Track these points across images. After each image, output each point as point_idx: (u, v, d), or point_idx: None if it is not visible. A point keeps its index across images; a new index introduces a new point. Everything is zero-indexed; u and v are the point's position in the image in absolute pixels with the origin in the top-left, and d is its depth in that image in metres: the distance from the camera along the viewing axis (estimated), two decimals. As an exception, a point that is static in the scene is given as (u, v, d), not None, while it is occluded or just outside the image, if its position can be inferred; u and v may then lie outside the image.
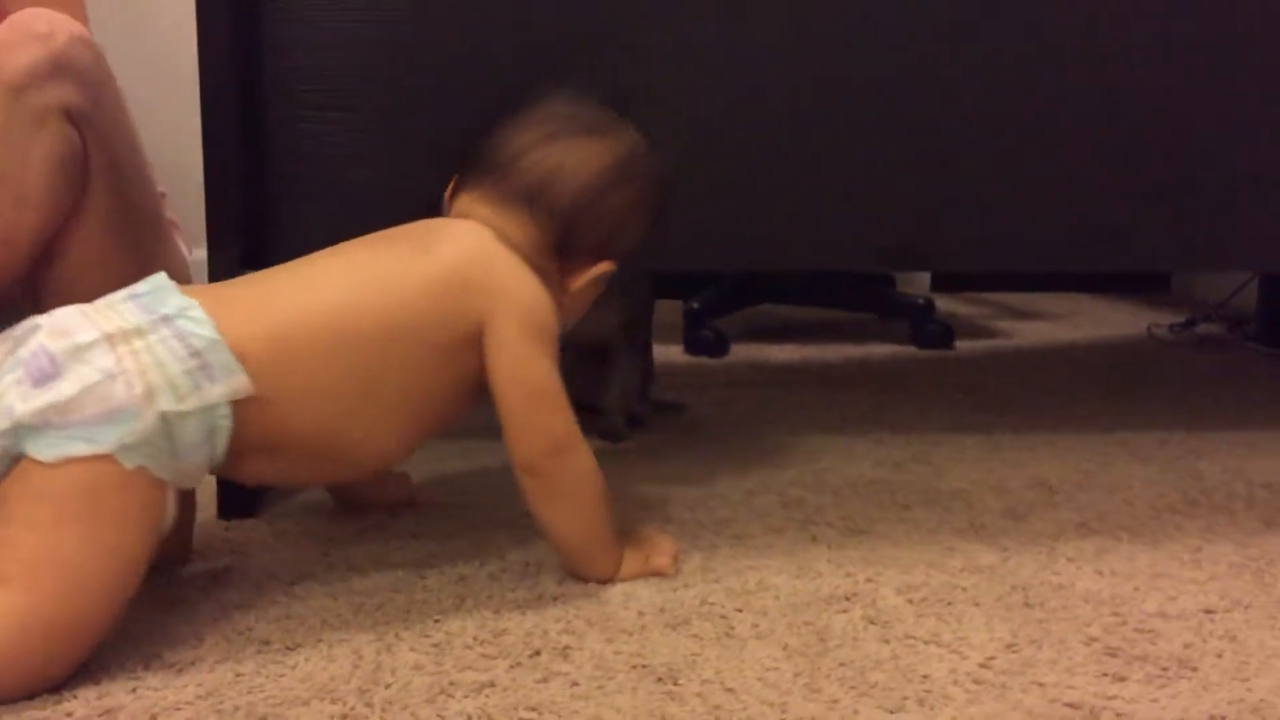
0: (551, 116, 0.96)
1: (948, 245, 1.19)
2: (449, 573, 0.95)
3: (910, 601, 0.90)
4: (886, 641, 0.83)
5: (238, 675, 0.77)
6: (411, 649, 0.81)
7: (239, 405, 0.81)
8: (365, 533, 1.05)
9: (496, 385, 0.90)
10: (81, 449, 0.74)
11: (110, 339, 0.77)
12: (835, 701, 0.74)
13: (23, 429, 0.73)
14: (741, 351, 2.00)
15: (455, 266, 0.91)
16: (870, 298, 2.30)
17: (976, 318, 2.45)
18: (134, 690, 0.75)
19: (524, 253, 0.94)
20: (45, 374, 0.75)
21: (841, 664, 0.79)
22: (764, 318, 2.34)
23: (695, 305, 2.01)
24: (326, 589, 0.91)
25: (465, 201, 0.96)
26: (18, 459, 0.74)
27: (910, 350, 2.04)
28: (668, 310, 2.13)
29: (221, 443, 0.81)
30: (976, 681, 0.77)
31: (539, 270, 0.94)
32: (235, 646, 0.81)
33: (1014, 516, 1.11)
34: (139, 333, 0.78)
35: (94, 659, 0.78)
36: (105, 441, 0.74)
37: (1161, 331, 2.23)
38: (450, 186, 0.99)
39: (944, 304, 2.50)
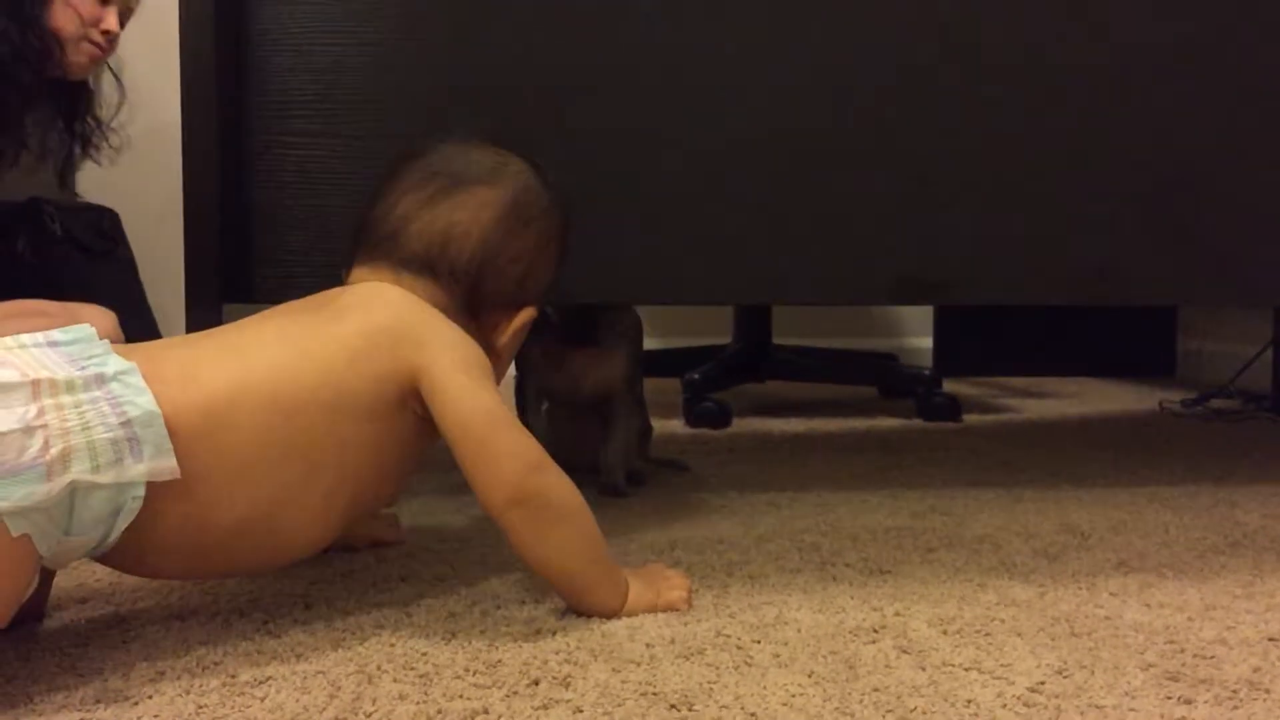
0: (430, 175, 0.91)
1: (965, 278, 1.14)
2: (438, 610, 0.87)
3: (945, 633, 0.82)
4: (923, 669, 0.75)
5: (200, 707, 0.68)
6: (395, 680, 0.72)
7: (155, 487, 0.71)
8: (350, 576, 0.97)
9: (449, 425, 0.83)
10: None
11: (36, 387, 0.68)
12: (871, 725, 0.66)
13: None
14: (744, 425, 1.93)
15: (376, 325, 0.85)
16: (873, 371, 2.24)
17: (982, 397, 2.39)
18: (82, 721, 0.66)
19: None
20: None
21: (875, 689, 0.71)
22: (764, 394, 2.29)
23: (695, 376, 1.95)
24: (303, 626, 0.83)
25: (363, 275, 0.91)
26: None
27: (917, 423, 1.98)
28: (665, 389, 2.08)
29: (121, 525, 0.71)
30: (1027, 705, 0.69)
31: None
32: (199, 679, 0.73)
33: (1047, 557, 1.03)
34: (69, 388, 0.69)
35: (38, 689, 0.70)
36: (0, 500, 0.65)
37: (1174, 406, 2.17)
38: (345, 271, 0.93)
39: (948, 386, 2.44)
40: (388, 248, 0.89)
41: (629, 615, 0.85)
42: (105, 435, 0.69)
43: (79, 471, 0.67)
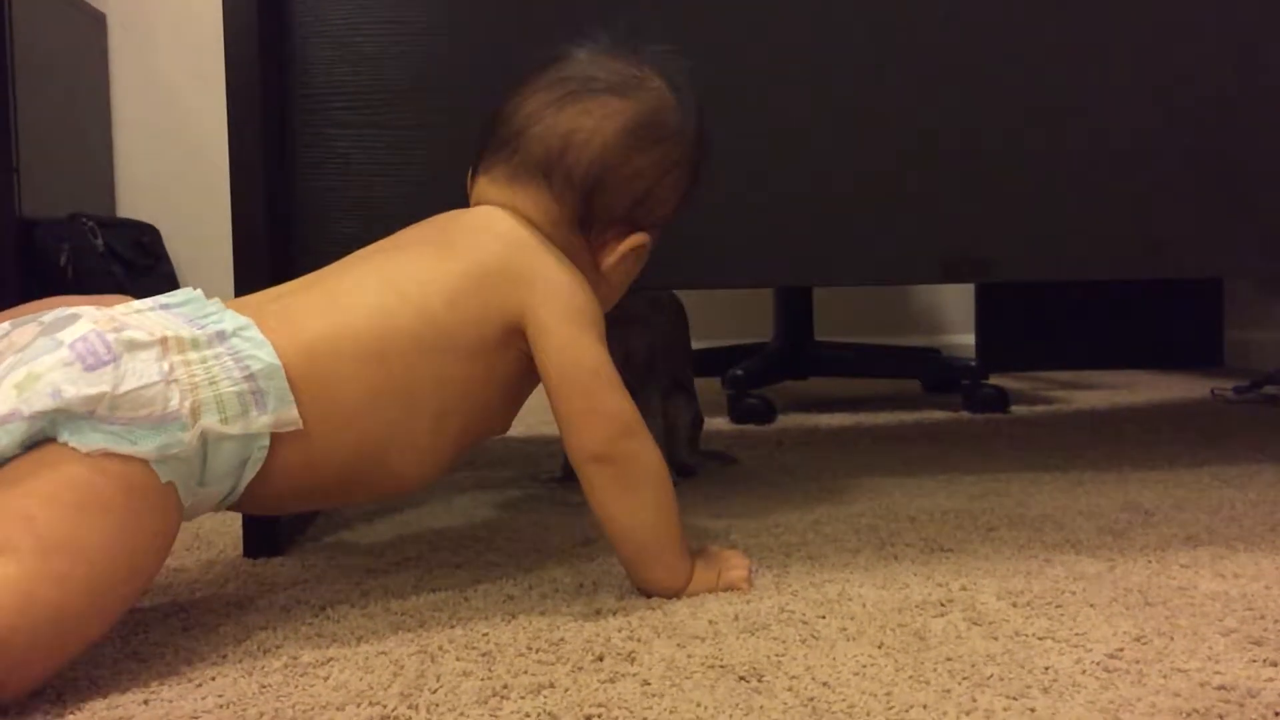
0: (563, 78, 0.88)
1: (1013, 255, 1.12)
2: (495, 594, 0.86)
3: (1014, 605, 0.80)
4: (995, 639, 0.73)
5: (263, 686, 0.68)
6: (458, 659, 0.72)
7: (275, 436, 0.74)
8: (404, 564, 0.96)
9: (549, 376, 0.83)
10: (123, 447, 0.67)
11: (164, 344, 0.70)
12: (948, 691, 0.64)
13: (63, 414, 0.65)
14: (789, 420, 1.91)
15: (480, 262, 0.84)
16: (917, 364, 2.21)
17: (1028, 390, 2.36)
18: (146, 702, 0.66)
19: (545, 231, 0.87)
20: (100, 359, 0.67)
21: (948, 658, 0.69)
22: (807, 390, 2.27)
23: (739, 373, 1.93)
24: (362, 611, 0.82)
25: (482, 184, 0.90)
26: (42, 442, 0.66)
27: (965, 415, 1.95)
28: (706, 388, 2.06)
29: (249, 475, 0.74)
30: (1107, 670, 0.67)
31: (565, 247, 0.87)
32: (260, 662, 0.72)
33: (1112, 533, 1.01)
34: (195, 345, 0.71)
35: (102, 674, 0.69)
36: (147, 447, 0.67)
37: (1226, 393, 2.13)
38: (471, 168, 0.93)
39: (992, 381, 2.41)
40: (510, 150, 0.88)
41: (690, 595, 0.83)
42: (231, 389, 0.71)
43: (209, 422, 0.70)
